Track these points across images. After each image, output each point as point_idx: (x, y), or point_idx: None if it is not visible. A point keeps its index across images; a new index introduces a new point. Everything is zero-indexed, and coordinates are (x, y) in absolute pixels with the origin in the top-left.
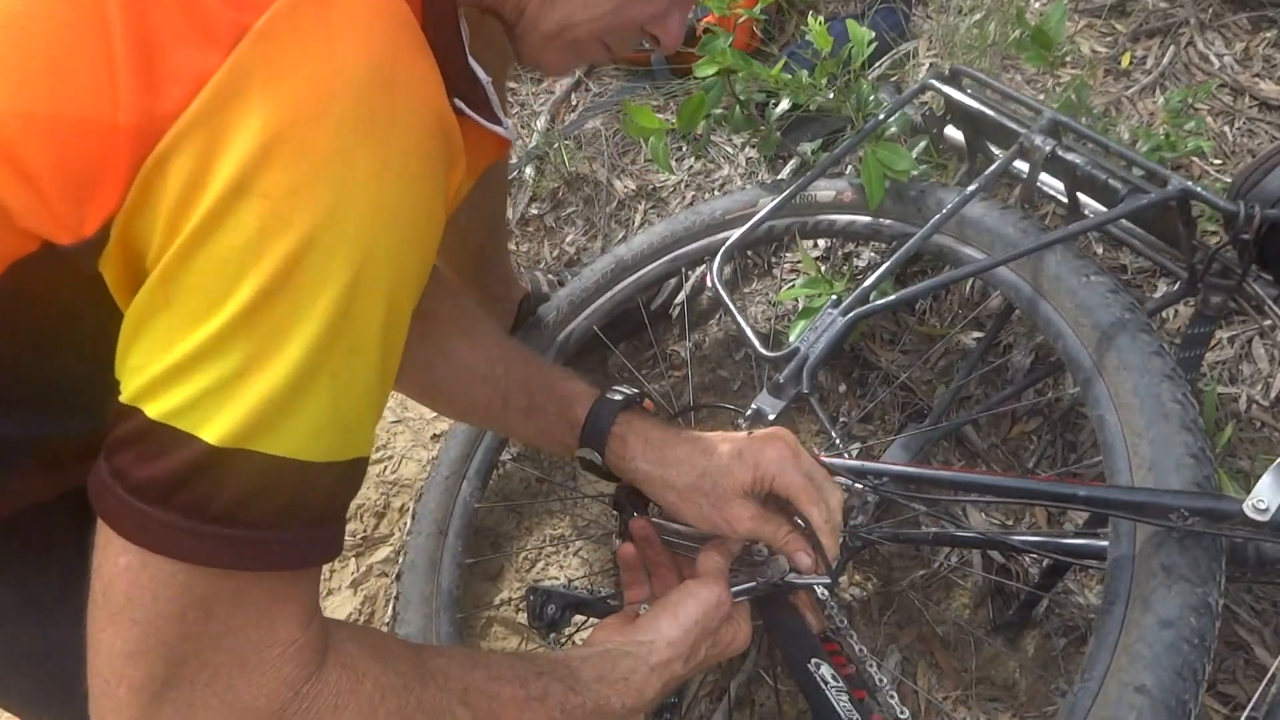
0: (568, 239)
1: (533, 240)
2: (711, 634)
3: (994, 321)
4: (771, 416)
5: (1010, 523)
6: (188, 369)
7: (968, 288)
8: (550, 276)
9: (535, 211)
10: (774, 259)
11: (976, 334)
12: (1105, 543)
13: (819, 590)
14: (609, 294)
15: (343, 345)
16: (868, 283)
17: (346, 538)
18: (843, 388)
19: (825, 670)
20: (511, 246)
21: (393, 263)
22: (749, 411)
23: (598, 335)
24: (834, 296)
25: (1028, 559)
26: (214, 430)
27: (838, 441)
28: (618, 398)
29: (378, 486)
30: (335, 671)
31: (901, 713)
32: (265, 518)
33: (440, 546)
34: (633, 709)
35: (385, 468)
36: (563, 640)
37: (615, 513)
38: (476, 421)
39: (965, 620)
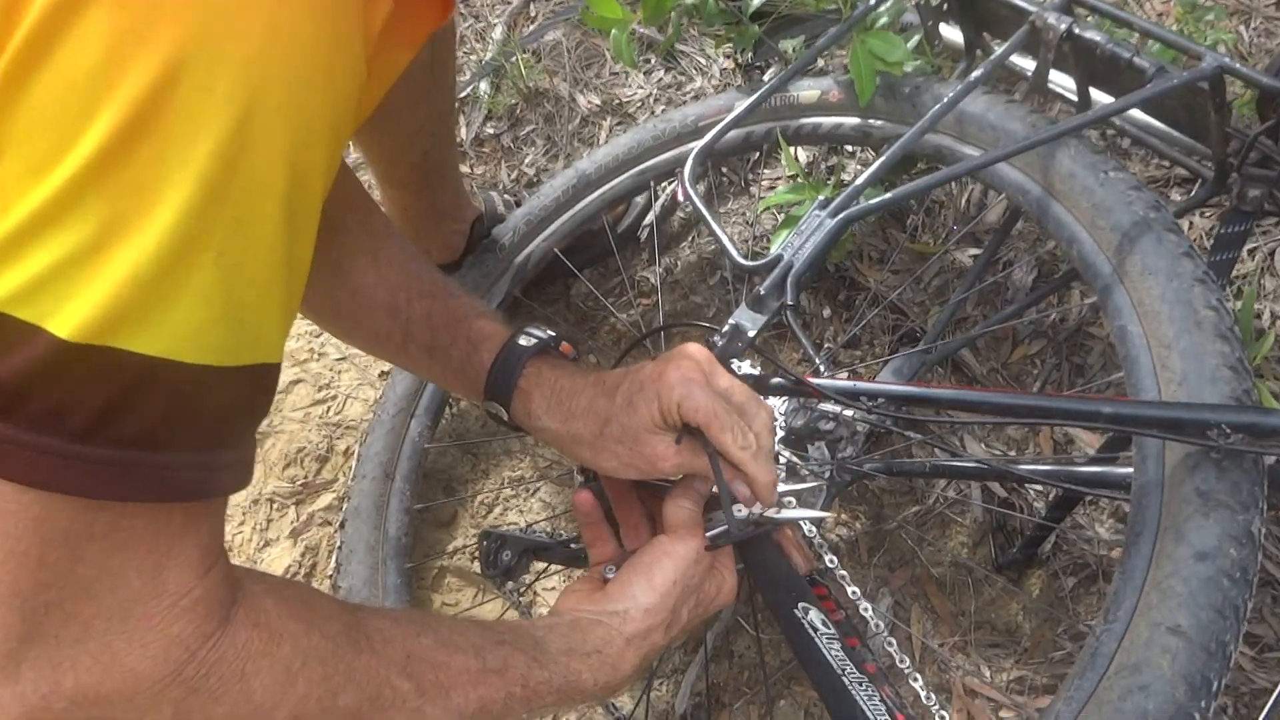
0: (526, 160)
1: (489, 162)
2: (693, 592)
3: (993, 236)
4: (751, 332)
5: (1012, 453)
6: (26, 241)
7: (964, 199)
8: (506, 197)
9: (491, 131)
10: (751, 176)
11: (974, 251)
12: (1125, 470)
13: (805, 527)
14: (570, 212)
15: (228, 213)
16: (859, 181)
17: (285, 484)
18: (827, 312)
19: (814, 615)
20: (465, 170)
21: (293, 106)
22: (725, 328)
23: (559, 259)
24: (821, 198)
25: (1033, 492)
26: (65, 322)
27: (822, 369)
28: (529, 343)
29: (320, 429)
30: (244, 631)
31: (900, 661)
32: (142, 436)
33: (386, 491)
34: (608, 686)
35: (329, 408)
36: (520, 591)
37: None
38: (382, 356)
39: (964, 560)
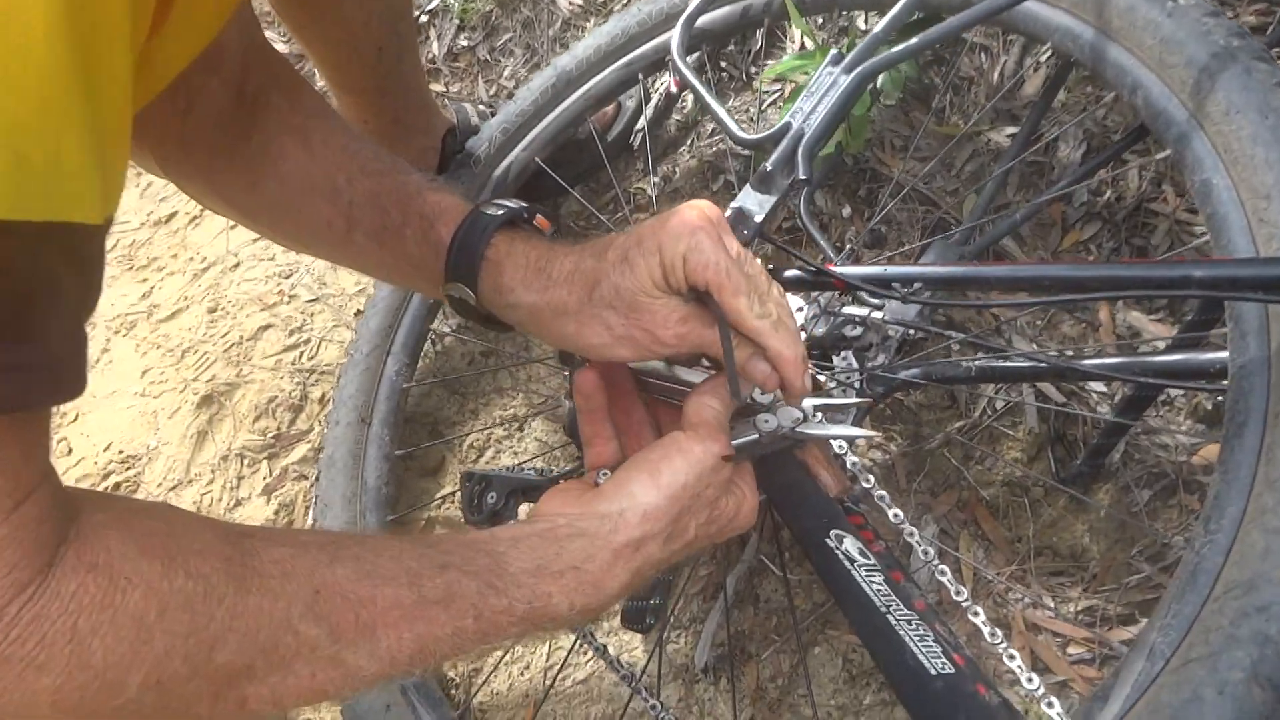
0: (505, 73)
1: (464, 78)
2: (706, 505)
3: (1033, 109)
4: (758, 217)
5: (1069, 352)
6: None
7: (997, 72)
8: (481, 107)
9: (465, 43)
10: (753, 69)
11: (1011, 130)
12: (1214, 354)
13: (835, 444)
14: (552, 115)
15: None
16: (876, 29)
17: (256, 438)
18: (847, 210)
19: (850, 544)
20: (439, 89)
21: None
22: (727, 213)
23: (543, 171)
24: (835, 52)
25: (1095, 394)
26: None
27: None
28: (497, 211)
29: (293, 375)
30: (75, 578)
31: (957, 593)
32: None
33: (363, 437)
34: (586, 610)
35: (301, 354)
36: None
37: (564, 370)
38: (326, 253)
39: (1018, 479)
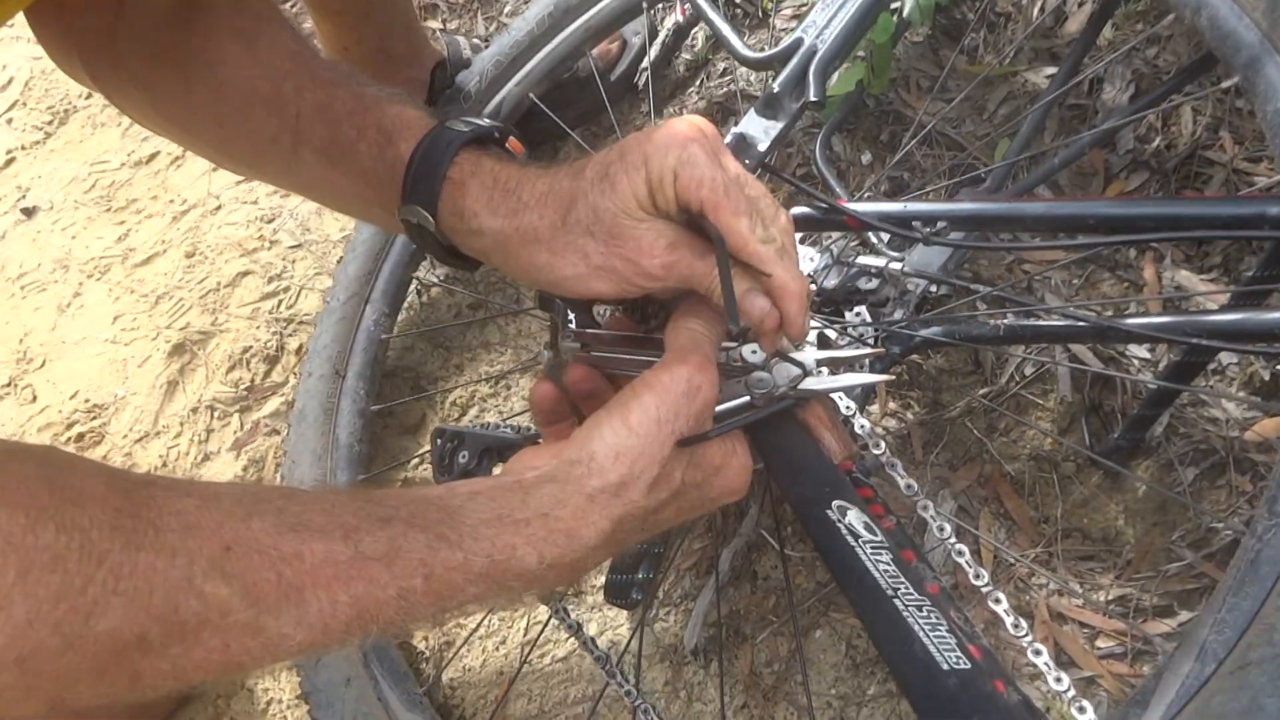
0: (506, 9)
1: (462, 14)
2: (685, 460)
3: (1075, 47)
4: (763, 145)
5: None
6: None
7: (1036, 8)
8: (475, 40)
9: None
10: (770, 3)
11: (1049, 70)
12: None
13: (842, 403)
14: (549, 47)
15: None
16: None
17: (228, 390)
18: (867, 156)
19: (854, 518)
20: (435, 25)
21: None
22: (727, 139)
23: (538, 110)
24: None
25: (1137, 360)
26: None
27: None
28: (463, 128)
29: (270, 325)
30: None
31: (977, 577)
32: None
33: (336, 390)
34: (561, 565)
35: (279, 302)
36: None
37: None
38: (269, 174)
39: (1047, 452)
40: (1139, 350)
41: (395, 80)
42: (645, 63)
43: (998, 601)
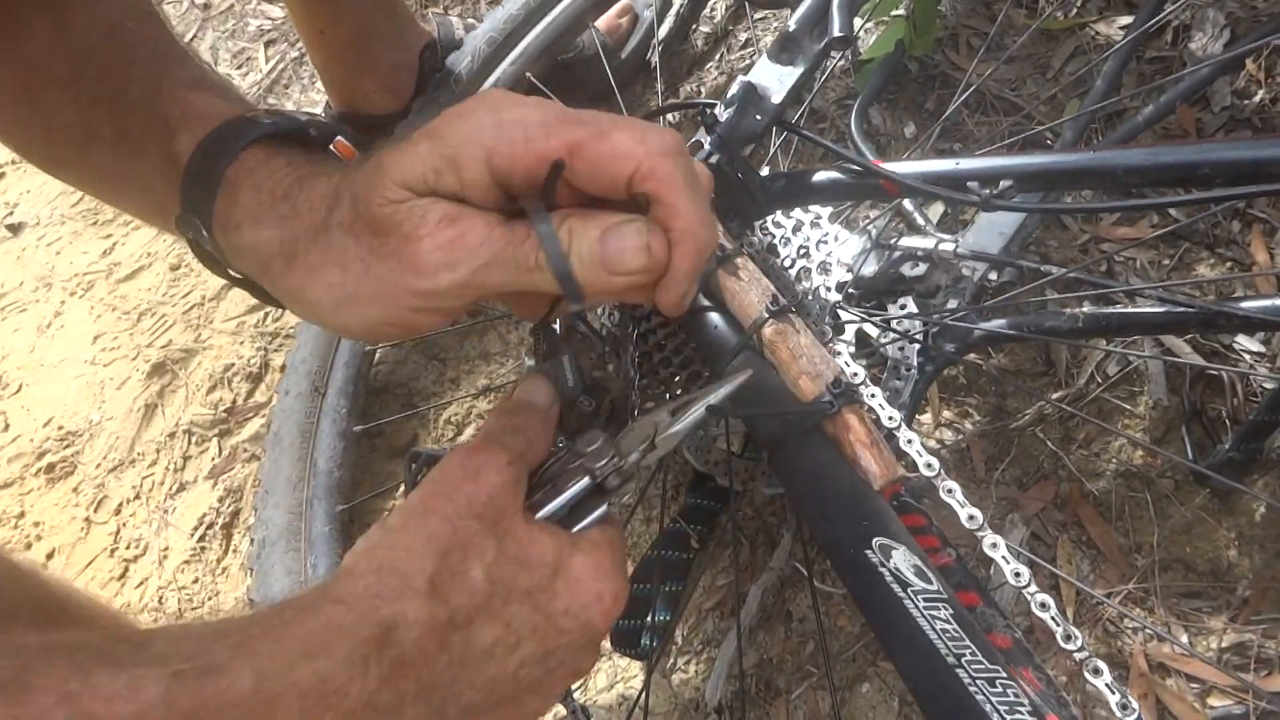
0: None
1: None
2: (492, 547)
3: None
4: (777, 96)
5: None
6: None
7: None
8: (470, 20)
9: None
10: None
11: (1124, 20)
12: None
13: (884, 411)
14: (547, 20)
15: None
16: None
17: (207, 411)
18: (910, 129)
19: (901, 560)
20: (436, 12)
21: None
22: (730, 92)
23: (535, 88)
24: None
25: (1248, 355)
26: None
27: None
28: (264, 120)
29: (254, 341)
30: None
31: (1068, 638)
32: None
33: (315, 409)
34: None
35: (266, 315)
36: None
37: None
38: (60, 173)
39: (1138, 468)
40: (1250, 342)
41: (379, 66)
42: (657, 37)
43: (1097, 673)
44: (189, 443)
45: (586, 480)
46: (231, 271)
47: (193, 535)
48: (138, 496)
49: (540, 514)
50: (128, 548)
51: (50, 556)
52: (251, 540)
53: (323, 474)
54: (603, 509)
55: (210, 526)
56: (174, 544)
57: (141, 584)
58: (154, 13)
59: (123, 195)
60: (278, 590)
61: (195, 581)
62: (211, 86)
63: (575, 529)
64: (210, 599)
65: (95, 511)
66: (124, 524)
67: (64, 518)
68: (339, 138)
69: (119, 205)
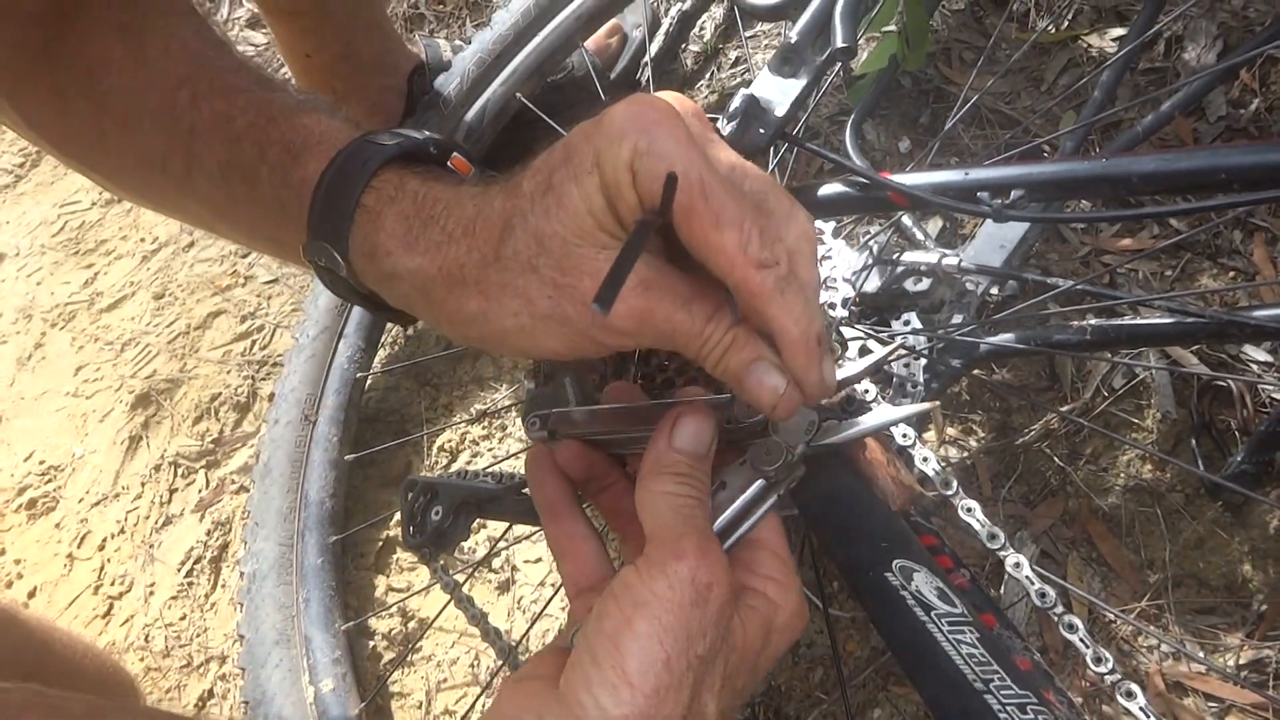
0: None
1: (450, 23)
2: (715, 661)
3: (1146, 4)
4: (780, 109)
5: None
6: None
7: None
8: (457, 43)
9: None
10: None
11: (1117, 31)
12: None
13: (897, 430)
14: (536, 40)
15: None
16: None
17: (193, 443)
18: (905, 144)
19: (923, 583)
20: (422, 34)
21: None
22: (732, 106)
23: (526, 109)
24: None
25: (1255, 365)
26: None
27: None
28: (388, 141)
29: (241, 369)
30: None
31: (1099, 661)
32: None
33: (305, 438)
34: None
35: (252, 343)
36: (455, 569)
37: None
38: (159, 203)
39: (1147, 482)
40: (1258, 353)
41: (367, 88)
42: (647, 56)
43: (1130, 696)
44: (175, 475)
45: (761, 483)
46: (372, 295)
47: (180, 570)
48: (122, 531)
49: (722, 523)
50: (112, 584)
51: (32, 595)
52: (241, 574)
53: (314, 504)
54: (773, 500)
55: (198, 561)
56: (160, 579)
57: (127, 621)
58: (227, 41)
59: (230, 223)
60: (268, 626)
61: (183, 618)
62: (318, 108)
63: (750, 522)
64: (198, 635)
65: (78, 547)
66: (108, 560)
67: (46, 554)
68: (455, 154)
69: (223, 234)
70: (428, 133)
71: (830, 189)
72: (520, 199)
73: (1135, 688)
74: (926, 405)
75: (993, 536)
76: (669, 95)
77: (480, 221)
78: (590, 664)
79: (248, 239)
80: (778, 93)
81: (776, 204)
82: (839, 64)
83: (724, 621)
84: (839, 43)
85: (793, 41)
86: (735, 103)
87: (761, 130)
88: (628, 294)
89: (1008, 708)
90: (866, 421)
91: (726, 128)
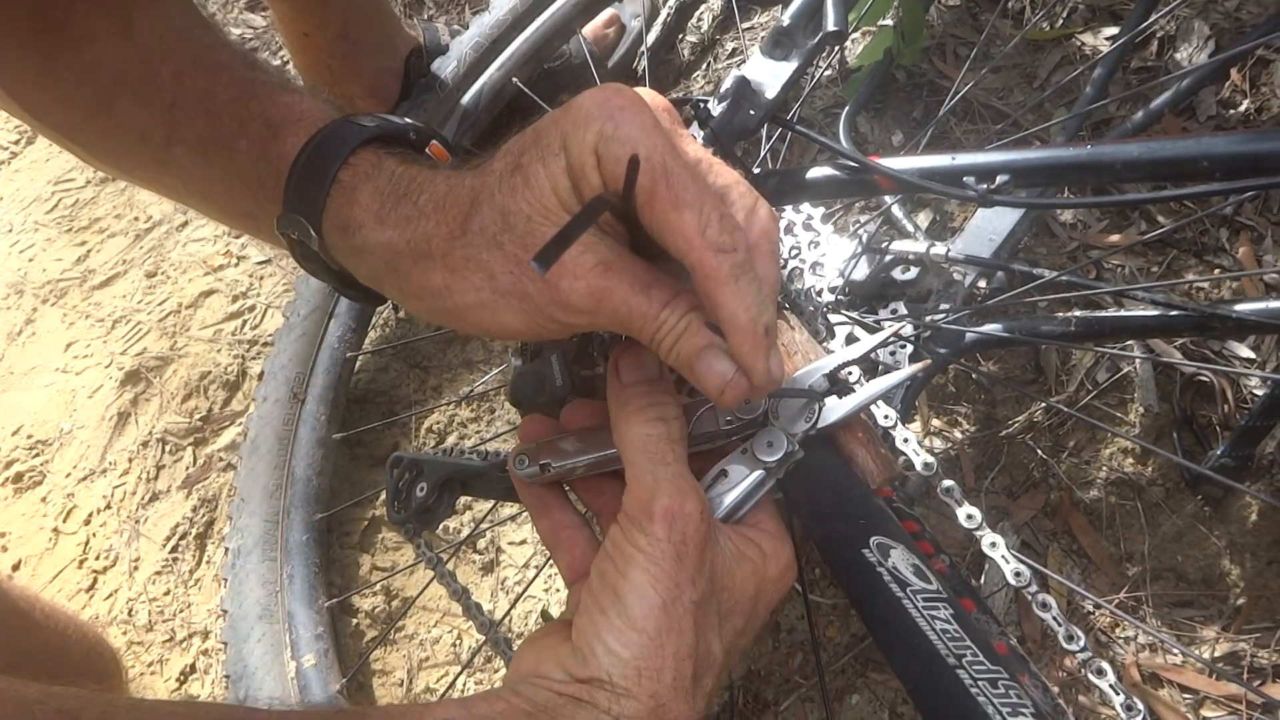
0: None
1: (449, 8)
2: (711, 603)
3: (1139, 3)
4: (771, 92)
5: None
6: None
7: None
8: (455, 27)
9: None
10: None
11: (1110, 30)
12: None
13: (879, 409)
14: (534, 25)
15: None
16: None
17: (182, 420)
18: (898, 137)
19: (900, 560)
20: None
21: None
22: (726, 83)
23: (522, 94)
24: None
25: (1238, 360)
26: None
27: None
28: (369, 123)
29: (232, 348)
30: None
31: (1071, 639)
32: None
33: (293, 416)
34: None
35: (244, 322)
36: (439, 548)
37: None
38: (135, 174)
39: (1129, 476)
40: (1241, 348)
41: (364, 69)
42: (644, 47)
43: (1100, 674)
44: (163, 451)
45: (761, 473)
46: (341, 272)
47: (165, 546)
48: (108, 506)
49: (721, 513)
50: (97, 558)
51: (16, 567)
52: (226, 549)
53: (300, 482)
54: (771, 484)
55: (183, 537)
56: (145, 555)
57: (111, 595)
58: (214, 23)
59: (204, 197)
60: (251, 601)
61: (167, 593)
62: (299, 89)
63: (747, 508)
64: (181, 611)
65: (64, 521)
66: (93, 534)
67: (31, 527)
68: (434, 141)
69: (199, 207)
70: (409, 119)
71: (818, 172)
72: (489, 177)
73: (1106, 665)
74: (919, 365)
75: (969, 516)
76: (642, 91)
77: (450, 198)
78: (597, 612)
79: (222, 213)
80: (769, 75)
81: (740, 198)
82: (831, 48)
83: (707, 566)
84: (830, 26)
85: (785, 24)
86: (727, 84)
87: (752, 112)
88: (587, 273)
89: (979, 682)
90: (866, 391)
91: (718, 108)
